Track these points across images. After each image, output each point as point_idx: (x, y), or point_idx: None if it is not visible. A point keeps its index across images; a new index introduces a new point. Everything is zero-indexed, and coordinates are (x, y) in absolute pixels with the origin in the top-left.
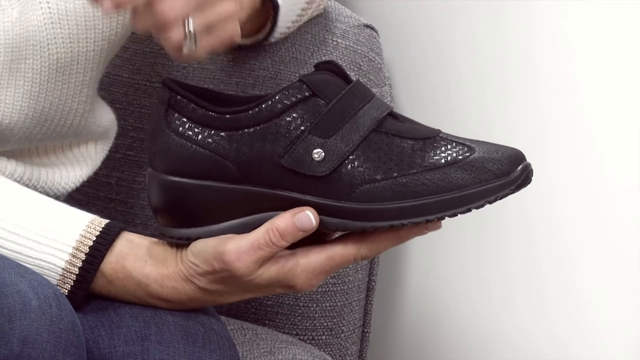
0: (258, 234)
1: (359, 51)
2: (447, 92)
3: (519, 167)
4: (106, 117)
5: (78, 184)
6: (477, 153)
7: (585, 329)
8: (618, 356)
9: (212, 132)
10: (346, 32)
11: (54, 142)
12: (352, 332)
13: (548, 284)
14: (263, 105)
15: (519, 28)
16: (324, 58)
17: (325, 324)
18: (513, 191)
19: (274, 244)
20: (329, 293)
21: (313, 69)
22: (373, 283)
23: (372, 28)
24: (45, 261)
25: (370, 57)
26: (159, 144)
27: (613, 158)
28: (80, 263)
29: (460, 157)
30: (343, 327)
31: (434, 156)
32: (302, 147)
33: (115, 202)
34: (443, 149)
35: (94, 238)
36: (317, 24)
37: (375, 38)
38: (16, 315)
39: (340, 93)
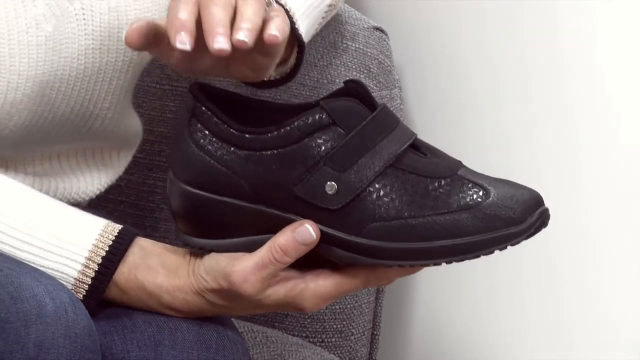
0: (261, 253)
1: (369, 54)
2: (456, 94)
3: (534, 215)
4: (133, 125)
5: (98, 193)
6: (491, 198)
7: (602, 351)
8: None
9: (231, 149)
10: (356, 34)
11: (72, 144)
12: (362, 334)
13: (557, 286)
14: (282, 130)
15: (530, 29)
16: (333, 61)
17: (335, 326)
18: (525, 239)
19: (277, 261)
20: None
21: (342, 85)
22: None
23: (382, 30)
24: (57, 270)
25: (380, 59)
26: (179, 153)
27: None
28: (93, 273)
29: (472, 203)
30: (353, 330)
31: (447, 199)
32: (316, 178)
33: (124, 204)
34: (458, 190)
35: (107, 248)
36: (326, 27)
37: (385, 40)
38: (32, 320)
39: (361, 123)
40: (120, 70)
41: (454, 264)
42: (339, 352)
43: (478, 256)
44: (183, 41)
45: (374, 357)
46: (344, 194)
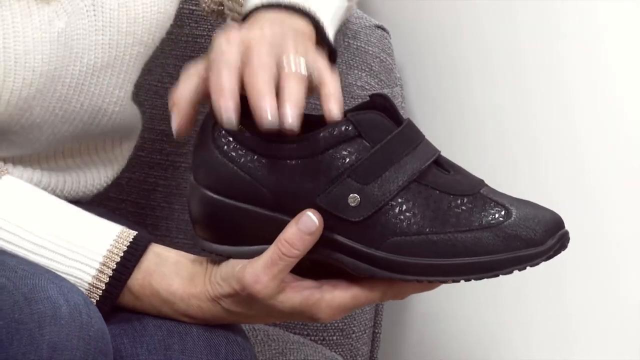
0: (269, 251)
1: (371, 52)
2: (458, 93)
3: (555, 237)
4: (135, 115)
5: (105, 186)
6: (512, 218)
7: (605, 350)
8: None
9: (255, 157)
10: (357, 32)
11: (80, 141)
12: (363, 332)
13: (560, 286)
14: (307, 140)
15: (531, 28)
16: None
17: (336, 324)
18: (544, 260)
19: (286, 255)
20: None
21: (368, 99)
22: None
23: (384, 29)
24: (72, 275)
25: (381, 57)
26: (202, 158)
27: None
28: (107, 279)
29: (494, 222)
30: (354, 328)
31: (469, 217)
32: (339, 189)
33: (125, 202)
34: (480, 209)
35: (122, 254)
36: None
37: (386, 39)
38: (46, 322)
39: (386, 137)
40: (128, 64)
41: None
42: (340, 350)
43: (497, 275)
44: (230, 121)
45: (375, 355)
46: (366, 206)
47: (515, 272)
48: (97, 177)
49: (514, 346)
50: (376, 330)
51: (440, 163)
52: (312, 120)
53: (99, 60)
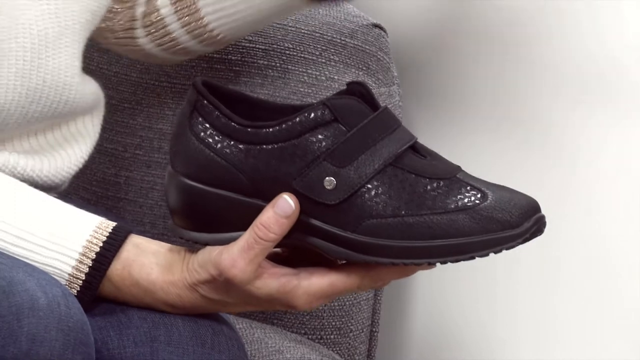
0: (246, 235)
1: (368, 50)
2: (455, 92)
3: (531, 220)
4: (93, 86)
5: (80, 165)
6: (488, 201)
7: (600, 349)
8: None
9: (232, 143)
10: (355, 31)
11: (50, 122)
12: (361, 331)
13: (556, 286)
14: (284, 125)
15: (529, 26)
16: (332, 57)
17: (333, 323)
18: (520, 243)
19: (262, 239)
20: None
21: (345, 87)
22: None
23: (381, 27)
24: (51, 266)
25: (378, 56)
26: (179, 145)
27: None
28: (87, 269)
29: (470, 204)
30: (351, 327)
31: (445, 199)
32: (315, 173)
33: (123, 201)
34: (456, 192)
35: (101, 244)
36: (325, 24)
37: (383, 37)
38: (24, 314)
39: (362, 121)
40: (79, 33)
41: (450, 265)
42: (337, 349)
43: (473, 257)
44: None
45: (372, 354)
46: (342, 189)
47: (512, 269)
48: (73, 154)
49: (512, 345)
50: (374, 329)
51: (417, 149)
52: (287, 108)
53: (49, 31)
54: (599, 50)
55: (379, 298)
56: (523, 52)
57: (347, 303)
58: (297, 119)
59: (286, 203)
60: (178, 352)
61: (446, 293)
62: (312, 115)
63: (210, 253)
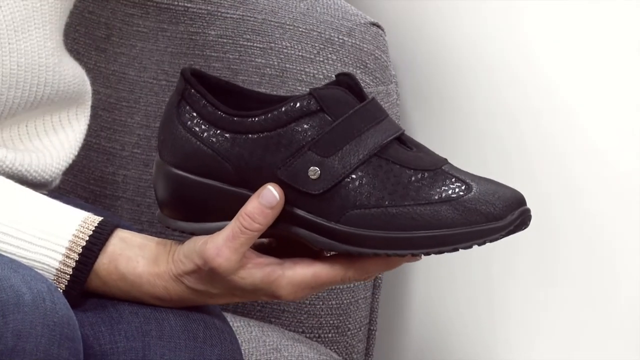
0: (231, 225)
1: (365, 49)
2: (453, 90)
3: (515, 213)
4: (75, 69)
5: (69, 161)
6: (472, 193)
7: (602, 349)
8: None
9: (218, 131)
10: (352, 30)
11: (33, 112)
12: (359, 329)
13: (555, 284)
14: (269, 114)
15: (527, 25)
16: (330, 56)
17: (331, 321)
18: (504, 235)
19: (247, 228)
20: (335, 291)
21: (334, 78)
22: (379, 281)
23: (379, 26)
24: (39, 262)
25: (376, 55)
26: (167, 134)
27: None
28: (74, 263)
29: (454, 196)
30: (349, 325)
31: (429, 191)
32: (300, 162)
33: (121, 200)
34: (440, 184)
35: (87, 238)
36: (323, 22)
37: (381, 36)
38: (9, 310)
39: (348, 112)
40: (49, 13)
41: (447, 263)
42: (335, 347)
43: (457, 249)
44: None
45: (370, 353)
46: (327, 179)
47: (510, 268)
48: (61, 148)
49: (510, 343)
50: (371, 328)
51: (404, 141)
52: (276, 100)
53: (16, 14)
54: (600, 49)
55: (376, 297)
56: (522, 52)
57: (345, 302)
58: (283, 109)
59: (270, 194)
60: (170, 347)
61: (444, 292)
62: (298, 104)
63: (195, 243)
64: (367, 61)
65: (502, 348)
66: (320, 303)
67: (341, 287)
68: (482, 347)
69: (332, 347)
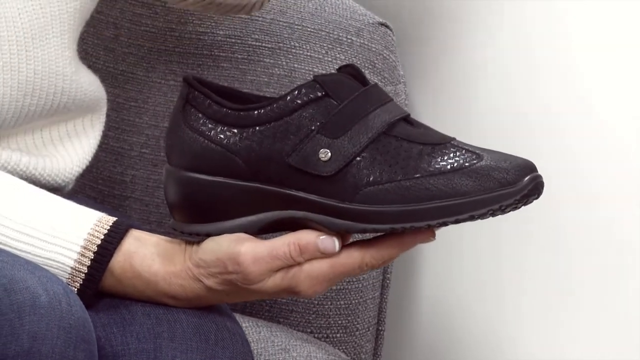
0: (278, 244)
1: (374, 49)
2: (461, 91)
3: (527, 178)
4: (91, 78)
5: (83, 167)
6: (484, 161)
7: (609, 351)
8: None
9: (225, 128)
10: (361, 30)
11: (49, 119)
12: (367, 330)
13: (566, 281)
14: (275, 105)
15: (535, 26)
16: (338, 56)
17: (340, 322)
18: (519, 201)
19: (292, 257)
20: (344, 291)
21: (332, 70)
22: (388, 281)
23: (387, 26)
24: (54, 260)
25: (384, 55)
26: (175, 139)
27: None
28: (89, 262)
29: (466, 164)
30: (358, 325)
31: (440, 162)
32: (310, 146)
33: (130, 199)
34: (451, 154)
35: (102, 237)
36: (331, 22)
37: (389, 36)
38: (26, 312)
39: (353, 94)
40: (68, 22)
41: (456, 262)
42: (344, 347)
43: (473, 217)
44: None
45: (379, 353)
46: (338, 159)
47: (520, 268)
48: (74, 154)
49: (520, 343)
50: (380, 328)
51: (410, 122)
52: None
53: (34, 23)
54: (601, 49)
55: (385, 296)
56: (531, 52)
57: (353, 302)
58: (288, 97)
59: (332, 244)
60: (182, 348)
61: (452, 291)
62: (303, 91)
63: (219, 244)
64: (376, 61)
65: (512, 347)
66: (329, 303)
67: (349, 287)
68: (491, 347)
69: (340, 347)
